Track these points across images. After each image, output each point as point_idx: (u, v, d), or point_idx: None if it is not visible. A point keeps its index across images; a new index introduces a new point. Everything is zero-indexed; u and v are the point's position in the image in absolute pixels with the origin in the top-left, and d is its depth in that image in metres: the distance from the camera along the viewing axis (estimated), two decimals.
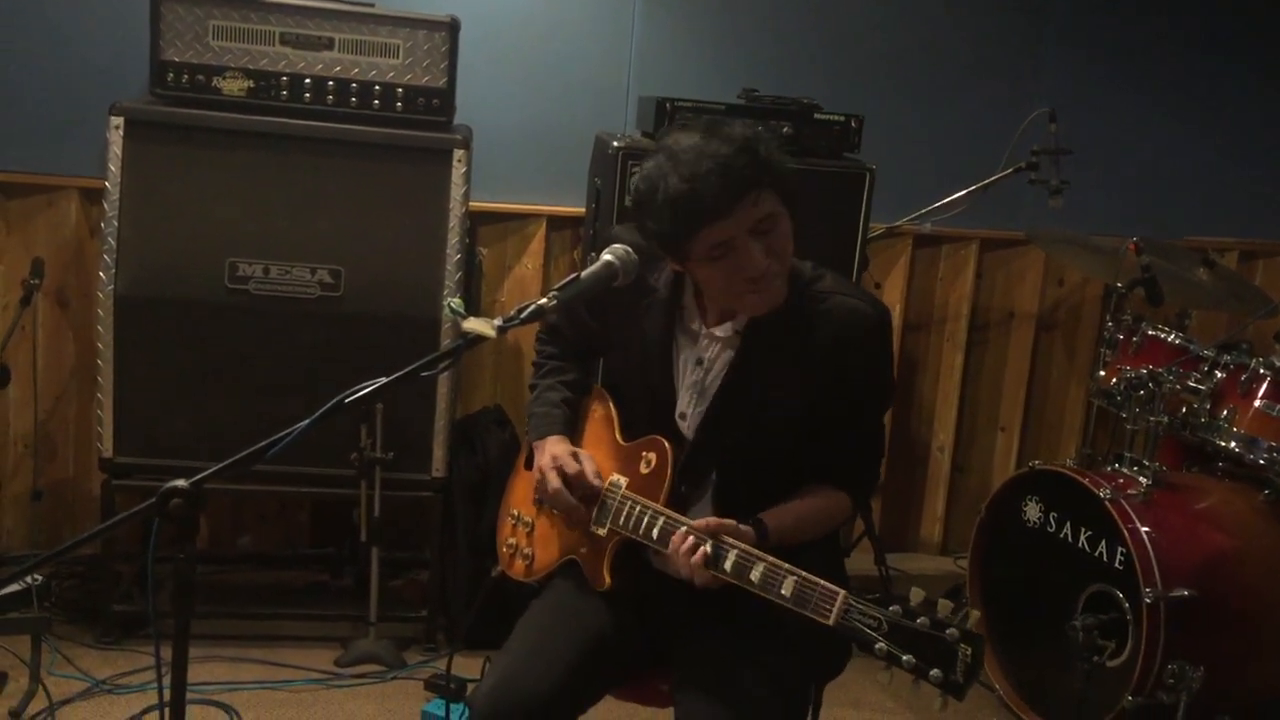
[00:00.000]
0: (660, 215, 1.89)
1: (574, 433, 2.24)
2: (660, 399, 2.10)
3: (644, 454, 2.08)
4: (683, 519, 1.95)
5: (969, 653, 1.61)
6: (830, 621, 1.73)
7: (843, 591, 1.74)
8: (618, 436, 2.17)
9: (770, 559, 1.83)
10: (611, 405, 2.22)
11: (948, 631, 1.63)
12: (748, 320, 2.03)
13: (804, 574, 1.78)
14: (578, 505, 2.10)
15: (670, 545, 1.92)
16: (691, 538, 1.89)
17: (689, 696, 1.99)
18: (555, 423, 2.22)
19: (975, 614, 1.68)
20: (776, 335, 2.01)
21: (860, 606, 1.71)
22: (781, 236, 1.93)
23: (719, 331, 2.05)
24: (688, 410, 2.09)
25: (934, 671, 1.63)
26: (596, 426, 2.23)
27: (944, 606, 1.66)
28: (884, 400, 2.15)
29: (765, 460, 2.06)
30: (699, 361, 2.07)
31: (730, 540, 1.88)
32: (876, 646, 1.68)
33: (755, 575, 1.83)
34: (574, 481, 2.10)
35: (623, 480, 2.08)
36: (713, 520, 1.91)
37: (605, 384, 2.29)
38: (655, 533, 1.98)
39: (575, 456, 2.12)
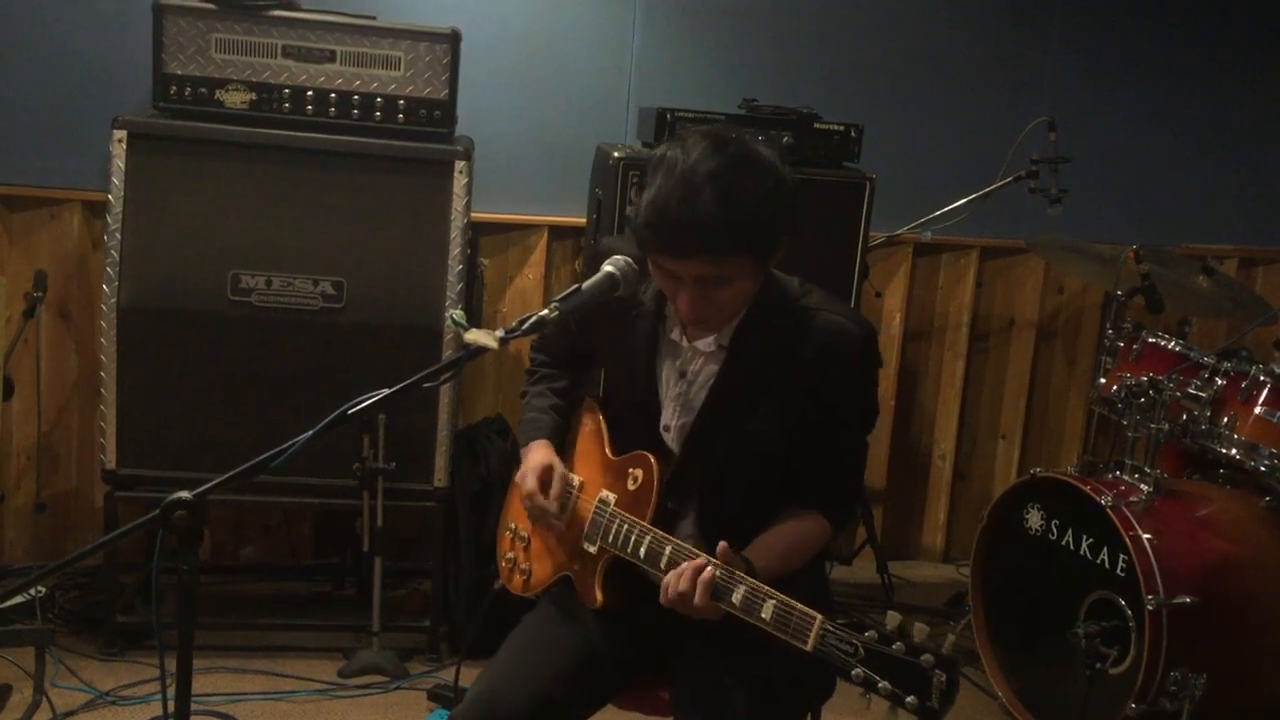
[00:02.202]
0: (636, 208, 1.89)
1: (562, 438, 2.23)
2: (645, 411, 2.09)
3: (630, 470, 2.06)
4: (672, 539, 1.94)
5: (943, 679, 1.61)
6: (808, 647, 1.73)
7: (819, 616, 1.73)
8: (607, 450, 2.16)
9: (751, 581, 1.82)
10: (601, 418, 2.21)
11: (922, 657, 1.62)
12: (732, 334, 2.02)
13: (783, 598, 1.78)
14: (554, 513, 2.09)
15: (669, 579, 1.87)
16: (692, 564, 1.85)
17: (680, 710, 2.00)
18: (541, 428, 2.21)
19: (951, 639, 1.67)
20: (761, 350, 2.00)
21: (837, 632, 1.70)
22: (731, 294, 1.92)
23: (702, 345, 2.04)
24: (671, 423, 2.08)
25: (910, 698, 1.63)
26: (586, 440, 2.22)
27: (920, 631, 1.66)
28: (866, 420, 2.13)
29: (749, 476, 2.05)
30: (682, 374, 2.06)
31: (717, 563, 1.87)
32: (853, 673, 1.67)
33: (736, 598, 1.82)
34: (536, 496, 2.08)
35: (611, 496, 2.07)
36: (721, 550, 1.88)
37: (597, 396, 2.28)
38: (643, 551, 1.97)
39: (543, 471, 2.10)
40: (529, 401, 2.29)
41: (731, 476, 2.05)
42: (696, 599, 1.83)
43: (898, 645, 1.65)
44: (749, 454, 2.04)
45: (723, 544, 1.87)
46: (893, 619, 1.68)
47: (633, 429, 2.12)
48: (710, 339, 2.03)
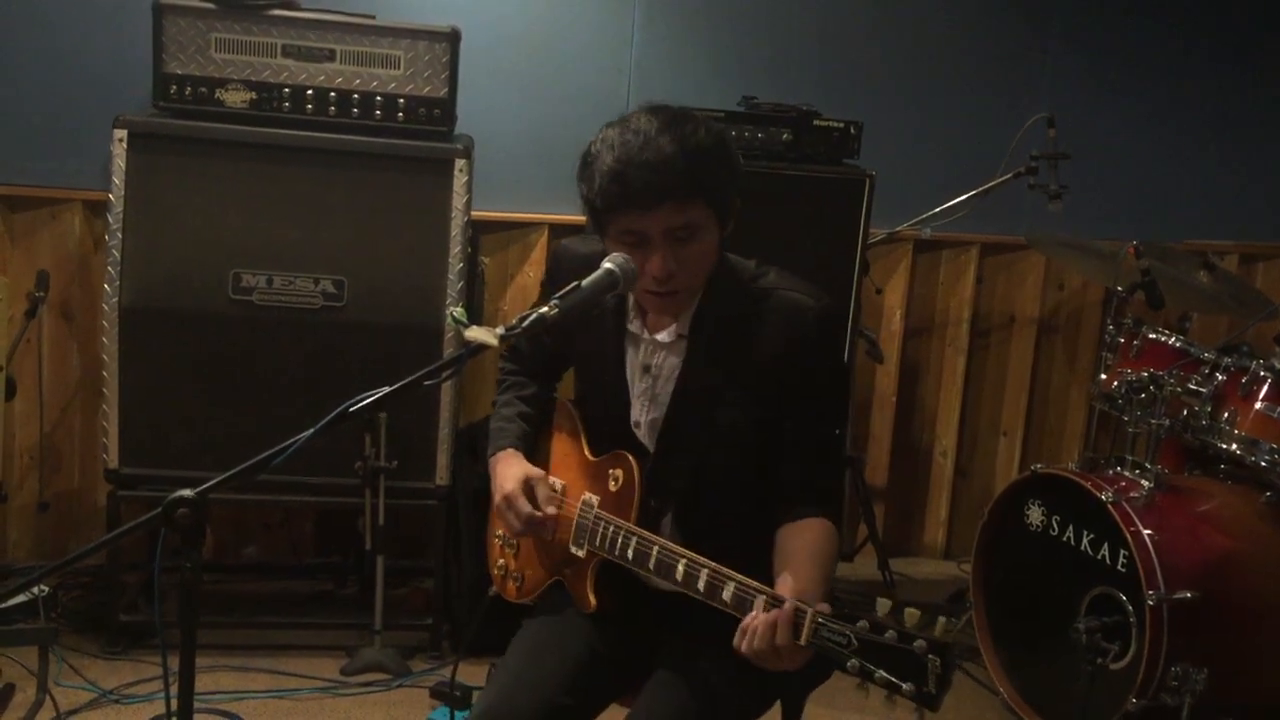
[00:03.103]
0: (590, 183, 1.91)
1: (530, 445, 2.22)
2: (616, 408, 2.09)
3: (611, 471, 2.05)
4: (659, 539, 1.93)
5: (938, 663, 1.60)
6: (801, 641, 1.71)
7: (810, 610, 1.71)
8: (586, 452, 2.15)
9: (739, 577, 1.81)
10: (578, 420, 2.20)
11: (915, 644, 1.61)
12: (690, 322, 2.01)
13: (773, 592, 1.76)
14: (549, 533, 2.09)
15: (751, 627, 1.76)
16: (783, 615, 1.74)
17: (651, 681, 2.01)
18: (506, 437, 2.20)
19: (942, 621, 1.66)
20: (721, 335, 2.00)
21: (829, 624, 1.68)
22: (699, 249, 1.92)
23: (661, 337, 2.03)
24: (642, 419, 2.07)
25: (906, 685, 1.62)
26: (564, 443, 2.21)
27: (911, 616, 1.64)
28: (839, 395, 2.12)
29: (725, 468, 2.04)
30: (646, 368, 2.06)
31: (702, 560, 1.86)
32: (848, 664, 1.66)
33: (726, 595, 1.82)
34: (530, 520, 2.06)
35: (594, 499, 2.06)
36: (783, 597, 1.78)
37: (573, 398, 2.26)
38: (630, 553, 1.96)
39: (526, 485, 2.08)
40: (497, 411, 2.29)
41: (707, 470, 2.04)
42: (786, 663, 1.74)
43: (890, 634, 1.64)
44: (722, 445, 2.02)
45: (793, 592, 1.78)
46: (883, 606, 1.67)
47: (606, 428, 2.11)
48: (670, 329, 2.02)
